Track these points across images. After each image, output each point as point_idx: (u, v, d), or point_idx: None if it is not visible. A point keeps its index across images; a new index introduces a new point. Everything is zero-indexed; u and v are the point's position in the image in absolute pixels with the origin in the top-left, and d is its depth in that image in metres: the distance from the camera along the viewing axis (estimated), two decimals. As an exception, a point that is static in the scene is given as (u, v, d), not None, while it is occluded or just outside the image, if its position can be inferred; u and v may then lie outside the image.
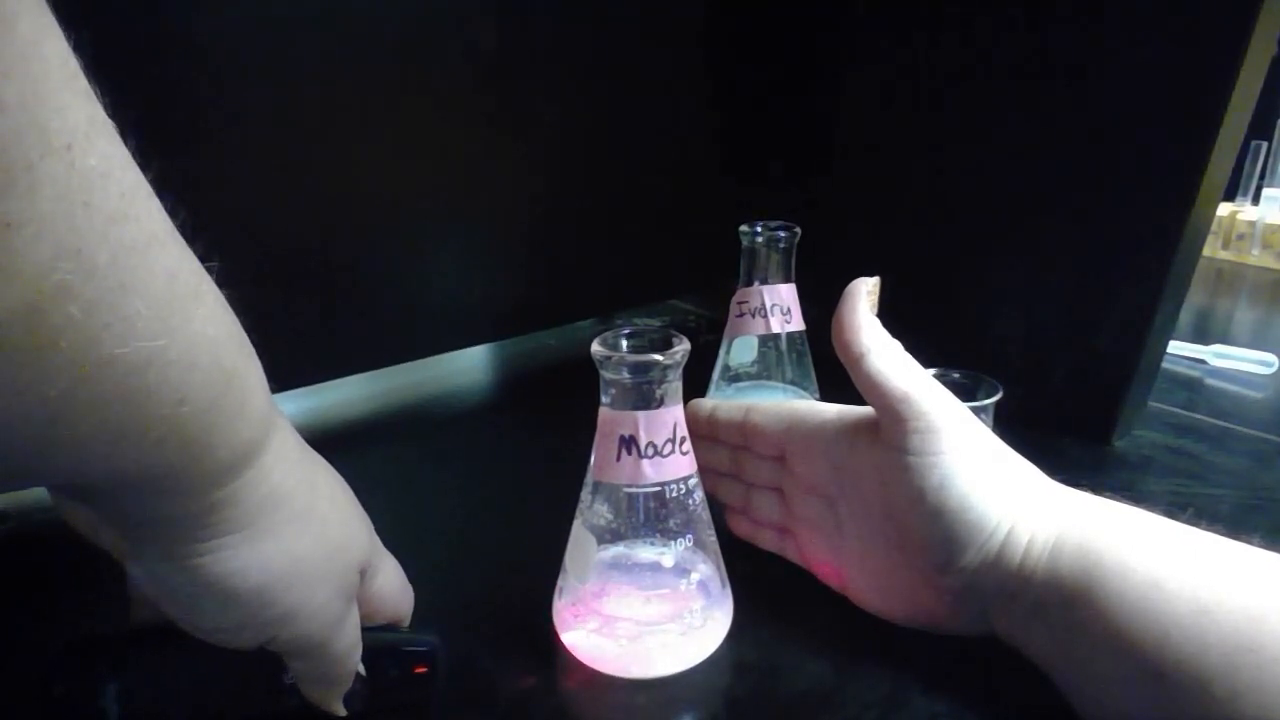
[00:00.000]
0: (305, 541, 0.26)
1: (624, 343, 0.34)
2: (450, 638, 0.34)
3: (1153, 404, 0.59)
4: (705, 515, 0.37)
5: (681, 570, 0.36)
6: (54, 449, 0.18)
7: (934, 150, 0.60)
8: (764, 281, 0.51)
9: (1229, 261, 1.04)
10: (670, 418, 0.34)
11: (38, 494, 0.49)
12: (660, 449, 0.34)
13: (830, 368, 0.55)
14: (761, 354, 0.53)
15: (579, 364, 0.49)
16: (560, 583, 0.37)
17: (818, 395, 0.54)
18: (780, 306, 0.51)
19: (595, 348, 0.33)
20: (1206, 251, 0.84)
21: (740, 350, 0.53)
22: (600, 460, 0.34)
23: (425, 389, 0.64)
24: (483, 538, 0.47)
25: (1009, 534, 0.33)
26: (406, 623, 0.34)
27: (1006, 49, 0.55)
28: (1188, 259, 0.51)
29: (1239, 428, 0.58)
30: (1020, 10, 0.54)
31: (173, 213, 0.21)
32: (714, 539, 0.37)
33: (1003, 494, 0.34)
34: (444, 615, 0.39)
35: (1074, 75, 0.52)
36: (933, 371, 0.46)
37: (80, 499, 0.25)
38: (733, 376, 0.54)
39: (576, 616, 0.36)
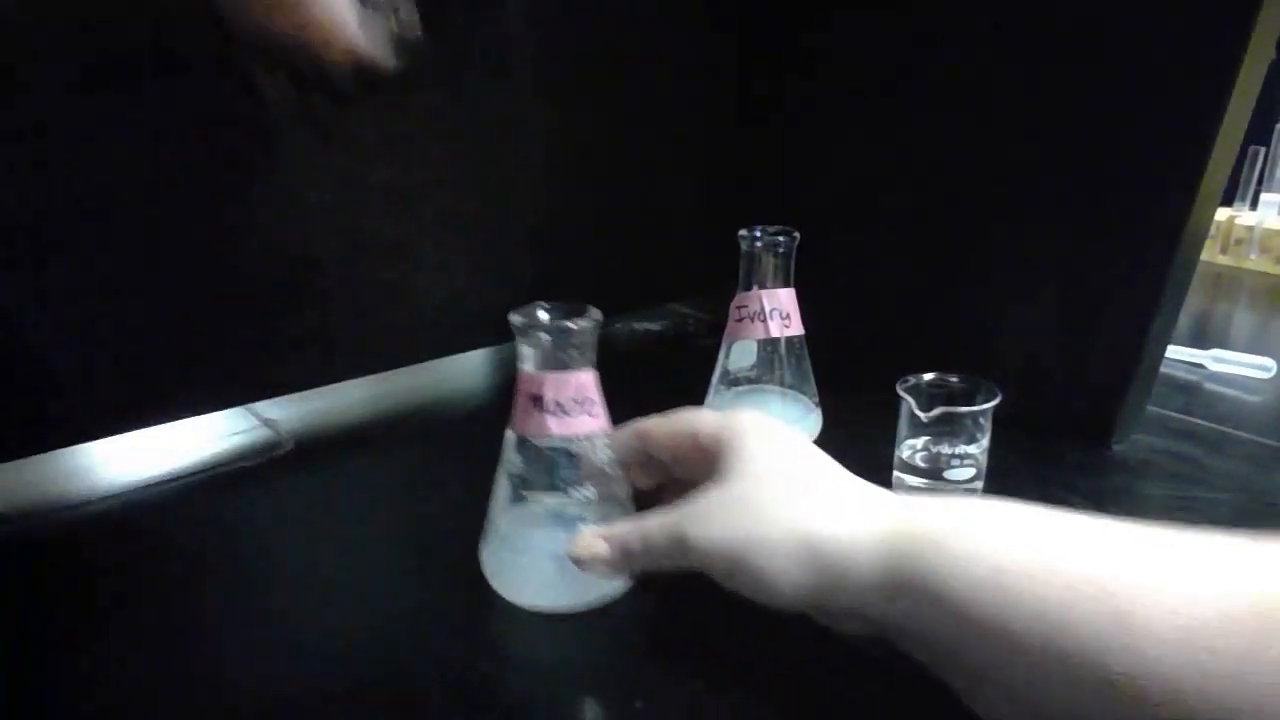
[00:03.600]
0: None
1: (540, 313, 0.37)
2: (451, 640, 0.34)
3: (1151, 408, 0.59)
4: (614, 471, 0.40)
5: (584, 516, 0.39)
6: None
7: (933, 154, 0.60)
8: (763, 286, 0.51)
9: (1227, 266, 1.04)
10: (577, 380, 0.37)
11: (36, 496, 0.49)
12: (566, 408, 0.37)
13: (829, 372, 0.55)
14: (760, 358, 0.53)
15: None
16: (485, 527, 0.41)
17: (816, 399, 0.54)
18: (779, 311, 0.51)
19: (512, 317, 0.37)
20: (1204, 256, 0.84)
21: (739, 354, 0.54)
22: (516, 415, 0.38)
23: (426, 392, 0.64)
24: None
25: (819, 558, 0.32)
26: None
27: (1006, 51, 0.55)
28: (1186, 263, 0.51)
29: (1238, 432, 0.58)
30: (1018, 13, 0.54)
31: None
32: (624, 491, 0.40)
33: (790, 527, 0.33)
34: (445, 617, 0.39)
35: (1073, 78, 0.52)
36: (931, 376, 0.46)
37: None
38: (732, 380, 0.54)
39: (495, 556, 0.40)
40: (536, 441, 0.38)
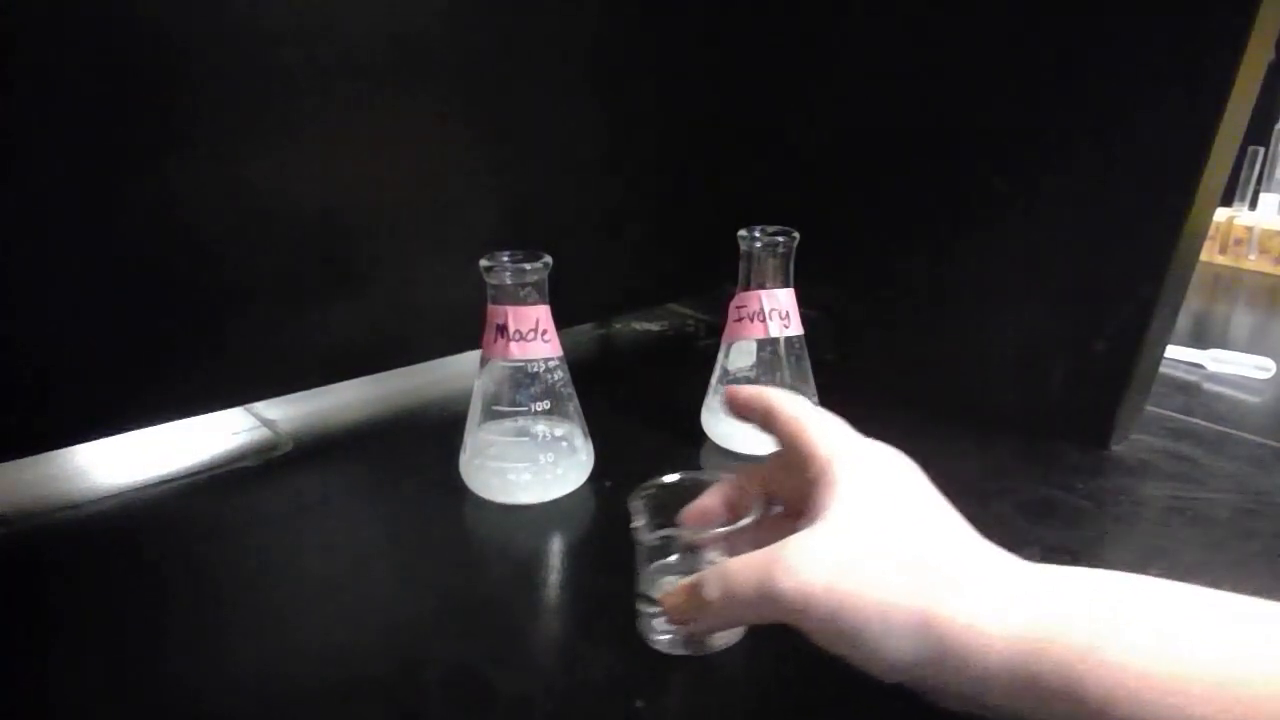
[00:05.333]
0: None
1: (504, 258, 0.45)
2: (451, 640, 0.34)
3: (1150, 408, 0.59)
4: (566, 390, 0.48)
5: (540, 426, 0.48)
6: None
7: (931, 155, 0.60)
8: (762, 286, 0.51)
9: (1226, 266, 1.04)
10: (534, 313, 0.45)
11: (36, 497, 0.49)
12: (525, 335, 0.45)
13: (828, 372, 0.56)
14: (760, 358, 0.53)
15: (577, 368, 0.49)
16: (463, 441, 0.48)
17: (816, 400, 0.54)
18: (779, 311, 0.51)
19: (482, 261, 0.45)
20: (1204, 257, 0.84)
21: (738, 354, 0.54)
22: (485, 342, 0.46)
23: (426, 392, 0.64)
24: (482, 540, 0.48)
25: (936, 639, 0.27)
26: None
27: (1003, 51, 0.55)
28: (1185, 263, 0.51)
29: (1236, 432, 0.58)
30: (1018, 13, 0.54)
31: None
32: (575, 407, 0.49)
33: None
34: (444, 618, 0.39)
35: (1072, 77, 0.52)
36: (673, 478, 0.39)
37: None
38: (731, 380, 0.54)
39: (470, 460, 0.48)
40: (501, 363, 0.46)
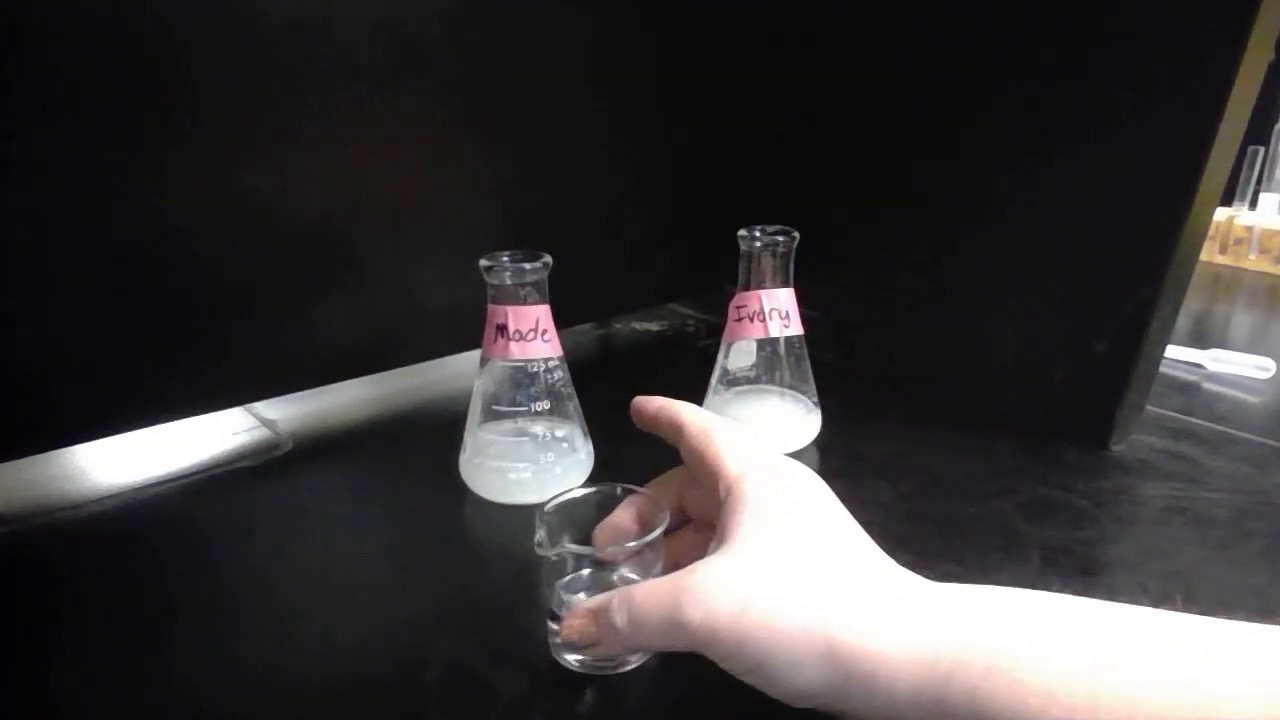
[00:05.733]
0: None
1: (504, 258, 0.45)
2: (451, 640, 0.34)
3: (1150, 408, 0.59)
4: (566, 390, 0.48)
5: (540, 426, 0.48)
6: None
7: (931, 155, 0.60)
8: (762, 286, 0.51)
9: (1226, 266, 1.04)
10: (534, 313, 0.45)
11: (36, 497, 0.49)
12: (525, 335, 0.45)
13: (828, 372, 0.56)
14: (760, 358, 0.53)
15: (577, 368, 0.49)
16: (463, 441, 0.49)
17: (816, 399, 0.54)
18: (779, 311, 0.51)
19: (482, 261, 0.45)
20: (1204, 257, 0.84)
21: (738, 354, 0.54)
22: (485, 342, 0.46)
23: (426, 392, 0.65)
24: (482, 540, 0.48)
25: (844, 665, 0.27)
26: None
27: (1004, 51, 0.55)
28: (1185, 263, 0.51)
29: (1236, 432, 0.58)
30: (1018, 14, 0.54)
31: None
32: (575, 407, 0.49)
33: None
34: (444, 618, 0.39)
35: (1072, 77, 0.52)
36: (583, 492, 0.38)
37: None
38: (731, 380, 0.54)
39: (470, 460, 0.48)
40: (501, 363, 0.46)
